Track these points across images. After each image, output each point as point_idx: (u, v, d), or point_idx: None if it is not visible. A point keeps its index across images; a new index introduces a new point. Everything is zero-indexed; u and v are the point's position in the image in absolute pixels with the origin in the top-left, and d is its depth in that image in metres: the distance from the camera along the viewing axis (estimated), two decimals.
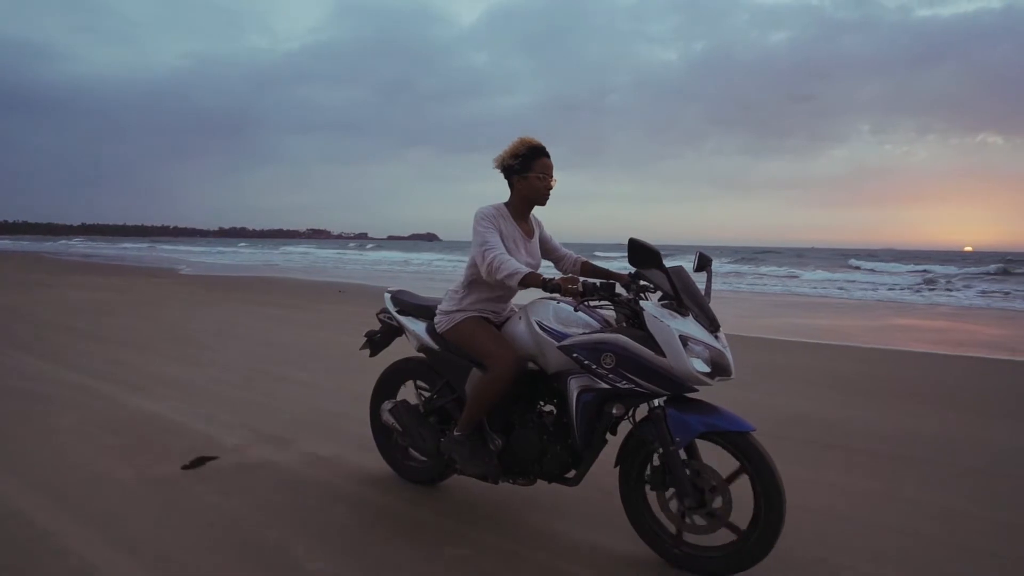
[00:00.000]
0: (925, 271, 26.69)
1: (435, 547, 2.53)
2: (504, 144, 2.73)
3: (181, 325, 8.38)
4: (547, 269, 2.86)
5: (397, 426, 2.96)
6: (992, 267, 27.41)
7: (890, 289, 18.67)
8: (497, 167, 2.72)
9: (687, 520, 2.35)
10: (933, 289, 18.76)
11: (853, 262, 33.65)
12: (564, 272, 2.96)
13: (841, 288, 18.87)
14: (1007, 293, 17.15)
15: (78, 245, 60.22)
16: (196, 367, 5.73)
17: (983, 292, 17.59)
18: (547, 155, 2.68)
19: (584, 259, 2.98)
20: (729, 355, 2.31)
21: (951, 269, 27.37)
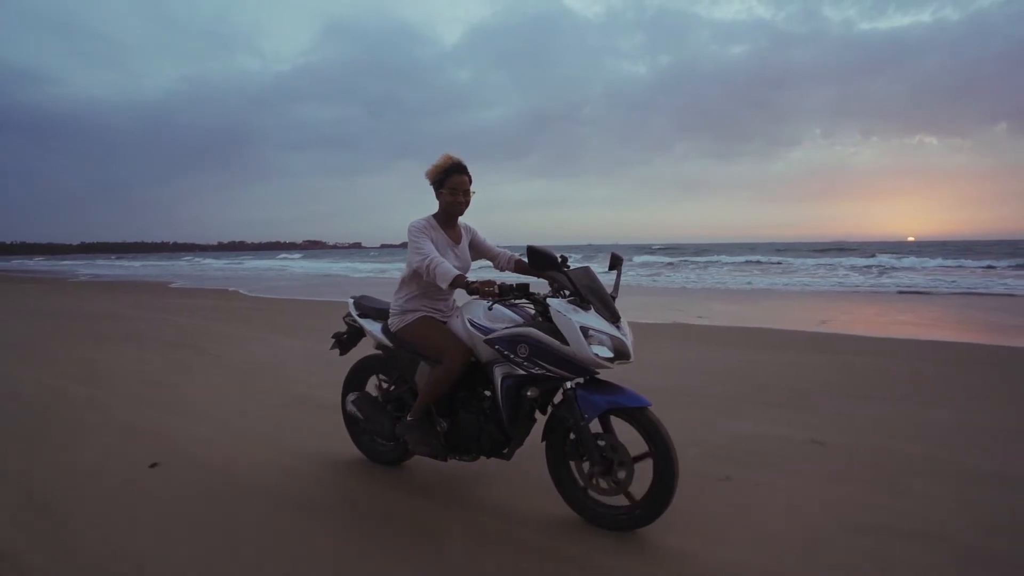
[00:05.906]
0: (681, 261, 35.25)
1: (405, 522, 2.82)
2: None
3: None
4: (489, 270, 3.25)
5: (359, 415, 3.38)
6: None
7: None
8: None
9: (593, 481, 2.78)
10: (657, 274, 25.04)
11: (643, 257, 41.25)
12: (500, 269, 3.31)
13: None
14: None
15: (28, 263, 68.29)
16: None
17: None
18: (462, 171, 2.99)
19: (518, 257, 3.29)
20: (629, 342, 2.70)
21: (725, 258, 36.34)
